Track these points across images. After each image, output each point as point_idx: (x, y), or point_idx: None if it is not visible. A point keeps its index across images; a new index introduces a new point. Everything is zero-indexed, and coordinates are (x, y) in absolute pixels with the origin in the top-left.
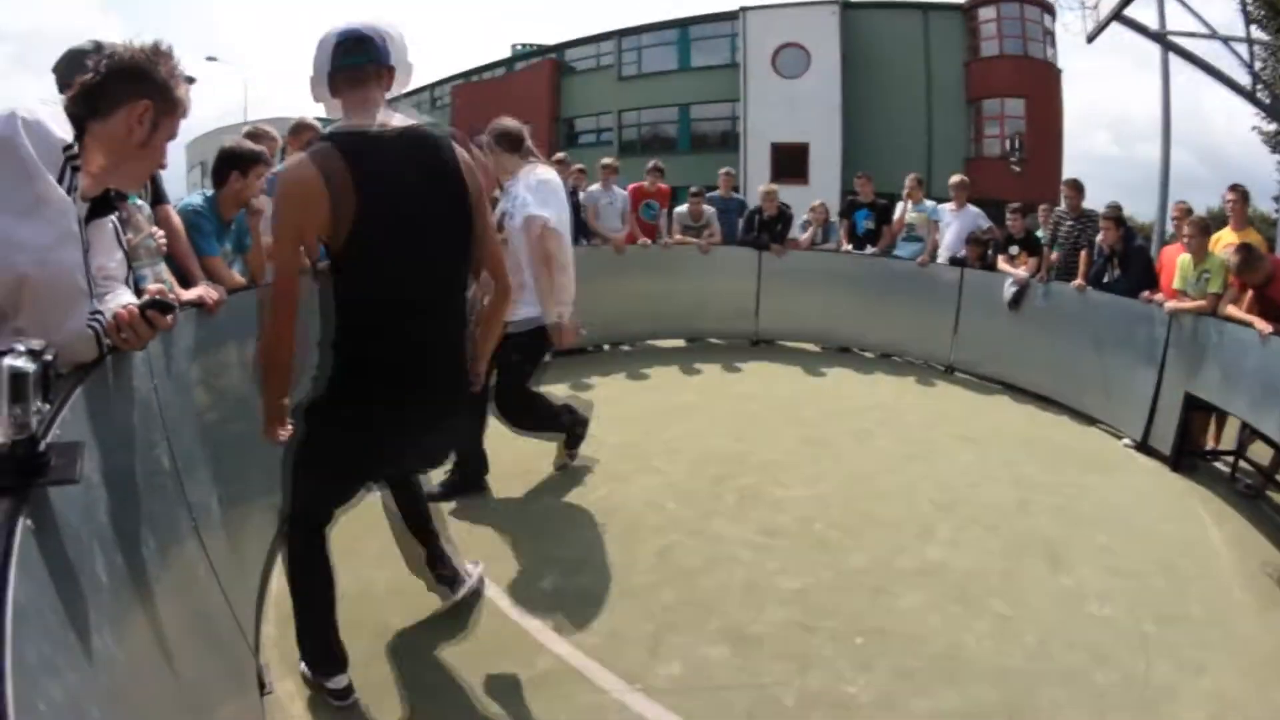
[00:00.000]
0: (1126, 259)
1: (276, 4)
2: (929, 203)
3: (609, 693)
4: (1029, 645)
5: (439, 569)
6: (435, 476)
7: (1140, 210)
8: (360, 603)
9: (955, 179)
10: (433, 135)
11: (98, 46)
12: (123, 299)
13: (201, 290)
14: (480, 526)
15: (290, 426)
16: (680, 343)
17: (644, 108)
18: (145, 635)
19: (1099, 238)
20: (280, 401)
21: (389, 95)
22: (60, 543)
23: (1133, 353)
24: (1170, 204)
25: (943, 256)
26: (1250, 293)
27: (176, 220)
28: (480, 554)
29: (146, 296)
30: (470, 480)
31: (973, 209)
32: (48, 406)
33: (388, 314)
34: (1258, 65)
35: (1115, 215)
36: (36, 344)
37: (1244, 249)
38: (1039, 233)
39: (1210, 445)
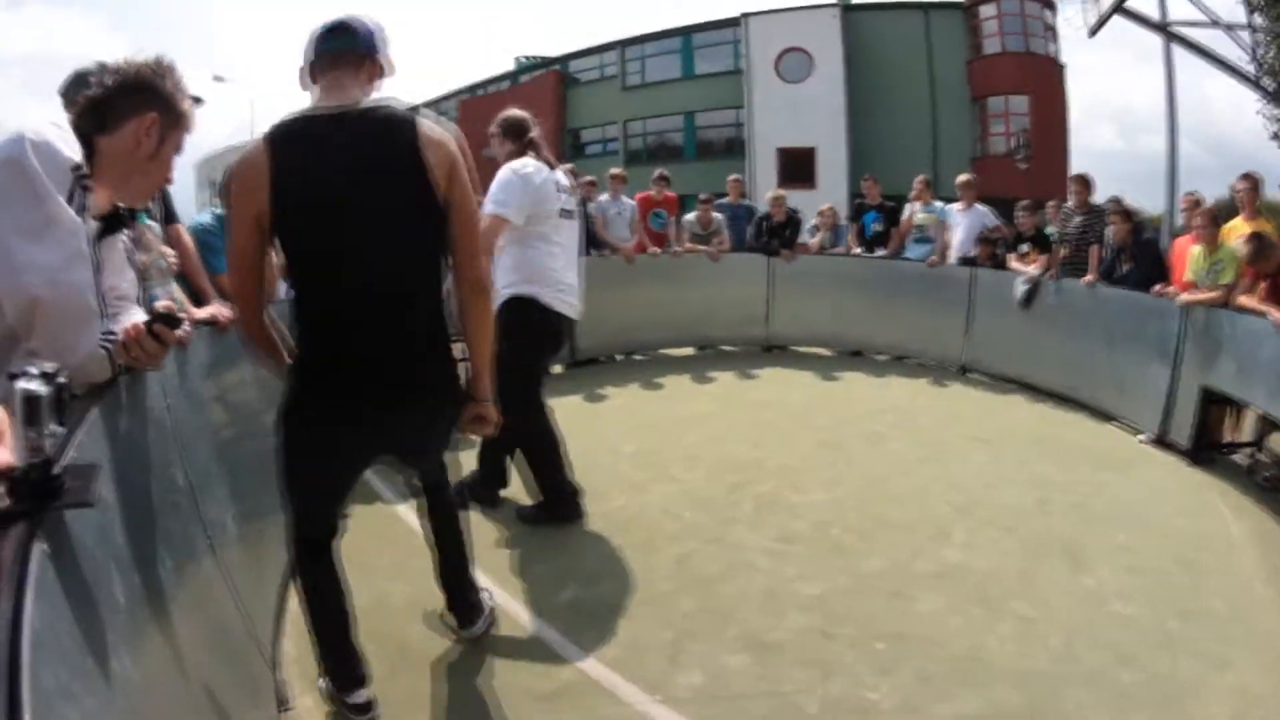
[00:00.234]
0: (1136, 253)
1: (278, 23)
2: (937, 204)
3: (630, 704)
4: (1052, 646)
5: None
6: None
7: (1147, 203)
8: (377, 616)
9: (962, 178)
10: (393, 115)
11: (102, 68)
12: (134, 318)
13: (214, 308)
14: (497, 538)
15: None
16: (690, 351)
17: (649, 117)
18: (163, 655)
19: (1108, 232)
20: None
21: (375, 88)
22: (76, 566)
23: (1147, 347)
24: (1178, 196)
25: (953, 256)
26: (1264, 282)
27: (188, 239)
28: (497, 566)
29: (154, 312)
30: (475, 490)
31: (981, 208)
32: (62, 429)
33: (324, 304)
34: (1260, 52)
35: (1123, 209)
36: (50, 366)
37: (1255, 238)
38: (1049, 230)
39: (1228, 438)
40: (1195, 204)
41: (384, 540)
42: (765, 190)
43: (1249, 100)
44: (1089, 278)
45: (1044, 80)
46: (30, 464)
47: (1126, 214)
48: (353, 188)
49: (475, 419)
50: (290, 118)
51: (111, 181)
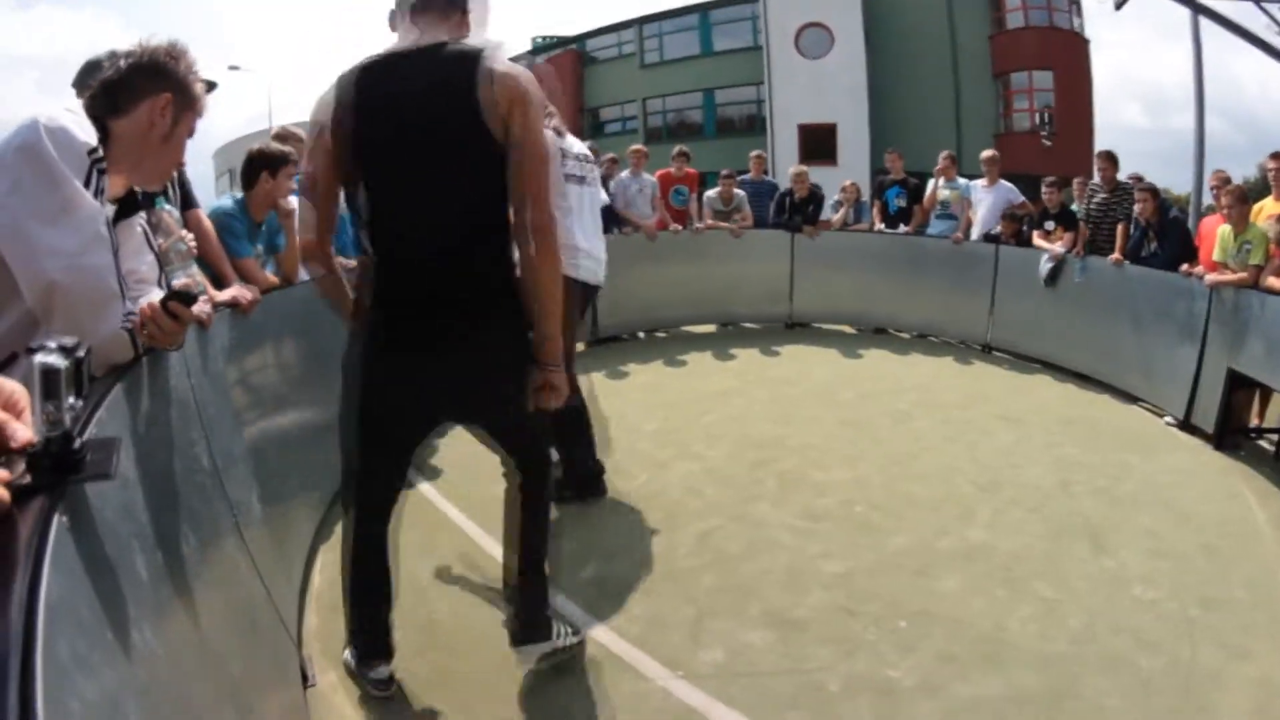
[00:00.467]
0: (1163, 232)
1: (292, 18)
2: (961, 180)
3: (652, 680)
4: (1073, 629)
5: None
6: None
7: (1175, 181)
8: (404, 594)
9: (986, 154)
10: (457, 51)
11: (113, 55)
12: (152, 300)
13: (235, 291)
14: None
15: None
16: (712, 328)
17: (668, 94)
18: (186, 631)
19: (1135, 210)
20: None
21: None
22: (98, 539)
23: (1173, 328)
24: (1206, 174)
25: (976, 233)
26: None
27: (207, 223)
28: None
29: (169, 289)
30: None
31: (1005, 184)
32: (81, 403)
33: (385, 242)
34: None
35: (1150, 187)
36: (69, 340)
37: None
38: (1074, 207)
39: (1254, 422)
40: (1224, 182)
41: (410, 520)
42: (786, 167)
43: (1279, 77)
44: (1115, 256)
45: (1068, 55)
46: (49, 437)
47: (1153, 191)
48: (407, 124)
49: (544, 387)
50: (366, 58)
51: (125, 164)
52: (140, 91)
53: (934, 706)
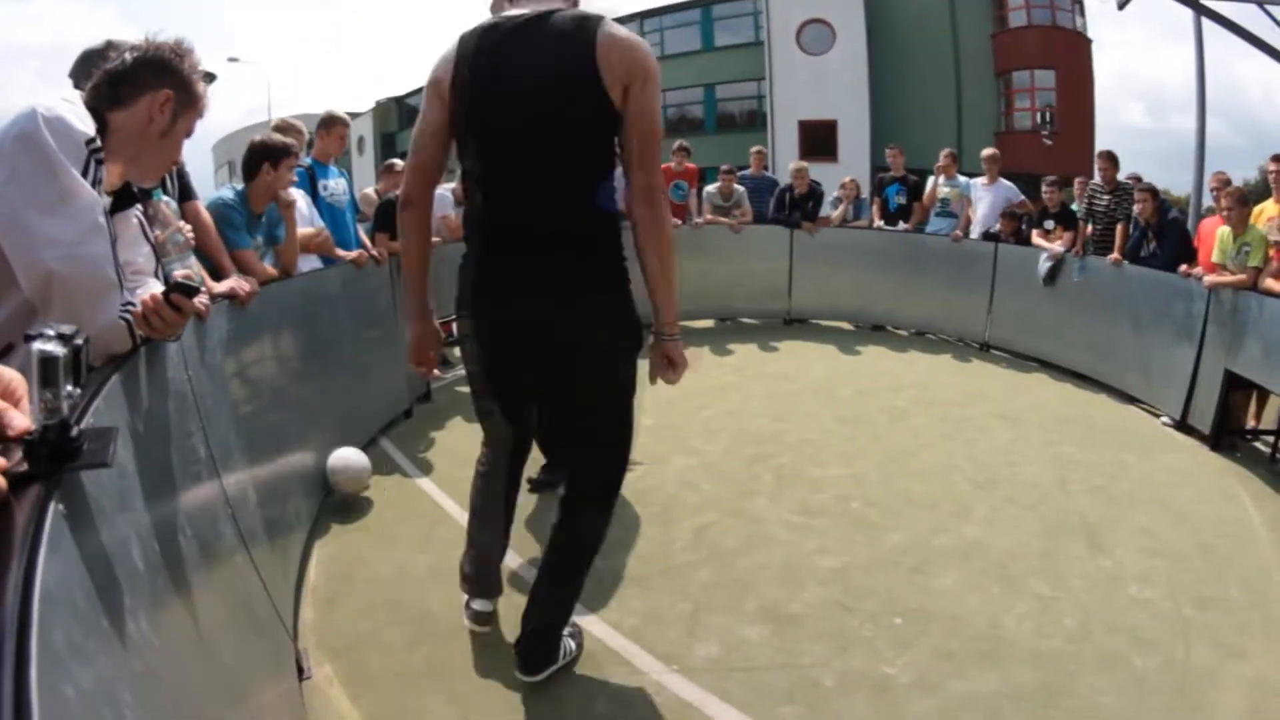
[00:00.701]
0: (1162, 232)
1: (289, 10)
2: (961, 178)
3: (647, 674)
4: (1069, 628)
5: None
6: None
7: (1175, 182)
8: (399, 586)
9: (987, 152)
10: (576, 18)
11: (110, 45)
12: (152, 291)
13: (233, 282)
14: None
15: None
16: (711, 323)
17: (669, 89)
18: (182, 620)
19: (1135, 210)
20: (418, 317)
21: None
22: (94, 528)
23: (1171, 329)
24: (1207, 176)
25: (976, 231)
26: None
27: (206, 215)
28: (514, 535)
29: (171, 281)
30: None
31: (1005, 183)
32: (79, 391)
33: (486, 192)
34: None
35: (1149, 187)
36: (67, 328)
37: None
38: (1074, 206)
39: (1250, 424)
40: (1224, 184)
41: (407, 512)
42: (786, 163)
43: None
44: (1114, 256)
45: (1070, 54)
46: (46, 425)
47: (1153, 192)
48: (526, 81)
49: (663, 360)
50: (486, 20)
51: (122, 158)
52: (142, 85)
53: (929, 703)
